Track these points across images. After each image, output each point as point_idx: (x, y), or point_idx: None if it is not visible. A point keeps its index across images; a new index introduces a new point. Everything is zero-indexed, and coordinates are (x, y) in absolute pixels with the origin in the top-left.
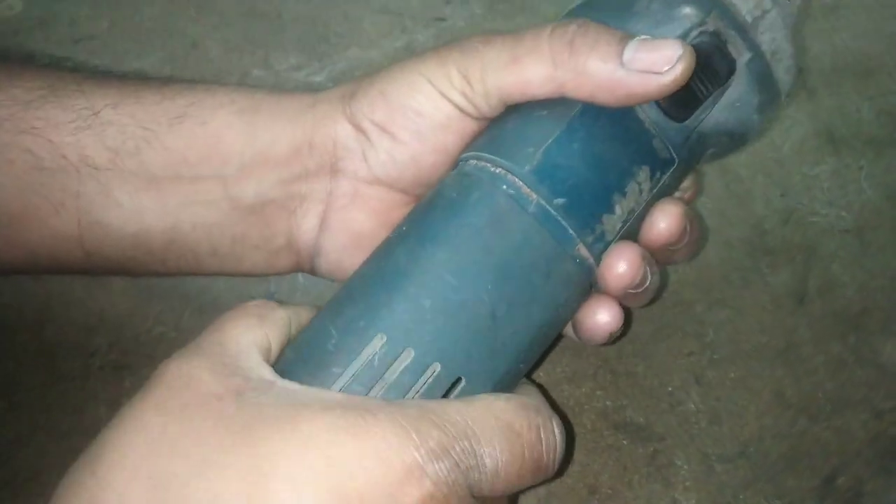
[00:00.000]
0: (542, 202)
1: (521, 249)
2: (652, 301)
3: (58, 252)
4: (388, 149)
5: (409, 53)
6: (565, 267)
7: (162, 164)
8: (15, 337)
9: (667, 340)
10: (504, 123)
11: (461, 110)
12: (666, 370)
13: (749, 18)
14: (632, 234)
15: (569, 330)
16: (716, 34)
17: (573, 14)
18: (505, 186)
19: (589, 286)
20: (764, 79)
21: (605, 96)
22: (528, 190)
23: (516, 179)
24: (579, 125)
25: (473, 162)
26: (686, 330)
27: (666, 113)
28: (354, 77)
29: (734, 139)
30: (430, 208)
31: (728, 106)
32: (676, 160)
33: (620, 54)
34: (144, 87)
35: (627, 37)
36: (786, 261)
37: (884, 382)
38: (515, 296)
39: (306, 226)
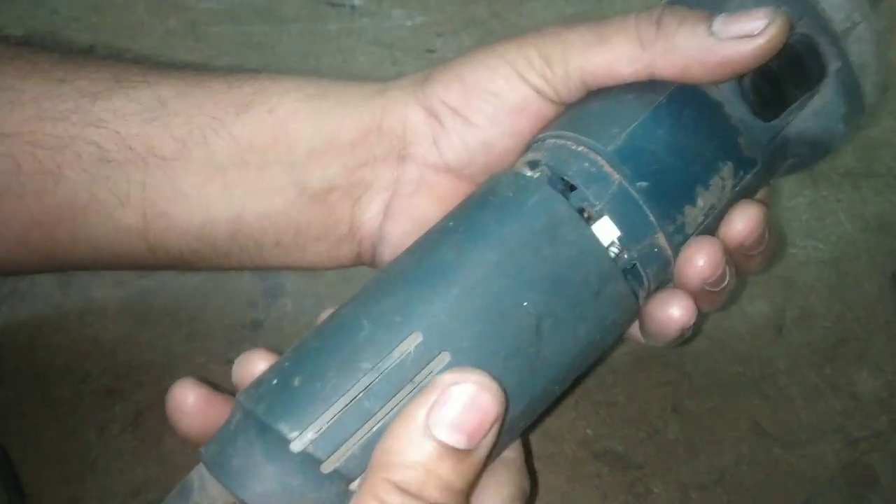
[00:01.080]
0: (625, 183)
1: (576, 262)
2: (725, 306)
3: (121, 246)
4: (461, 133)
5: None
6: (618, 287)
7: (229, 152)
8: (8, 362)
9: (646, 370)
10: (586, 106)
11: (539, 93)
12: (645, 400)
13: (839, 29)
14: (709, 233)
15: (634, 331)
16: (808, 37)
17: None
18: (587, 164)
19: (635, 313)
20: (852, 90)
21: (696, 69)
22: (611, 169)
23: (599, 158)
24: (666, 111)
25: (552, 141)
26: (665, 360)
27: (754, 111)
28: None
29: (816, 149)
30: (483, 205)
31: (814, 114)
32: (760, 162)
33: (710, 26)
34: (210, 77)
35: (714, 13)
36: (764, 292)
37: (858, 412)
38: (564, 311)
39: (370, 213)
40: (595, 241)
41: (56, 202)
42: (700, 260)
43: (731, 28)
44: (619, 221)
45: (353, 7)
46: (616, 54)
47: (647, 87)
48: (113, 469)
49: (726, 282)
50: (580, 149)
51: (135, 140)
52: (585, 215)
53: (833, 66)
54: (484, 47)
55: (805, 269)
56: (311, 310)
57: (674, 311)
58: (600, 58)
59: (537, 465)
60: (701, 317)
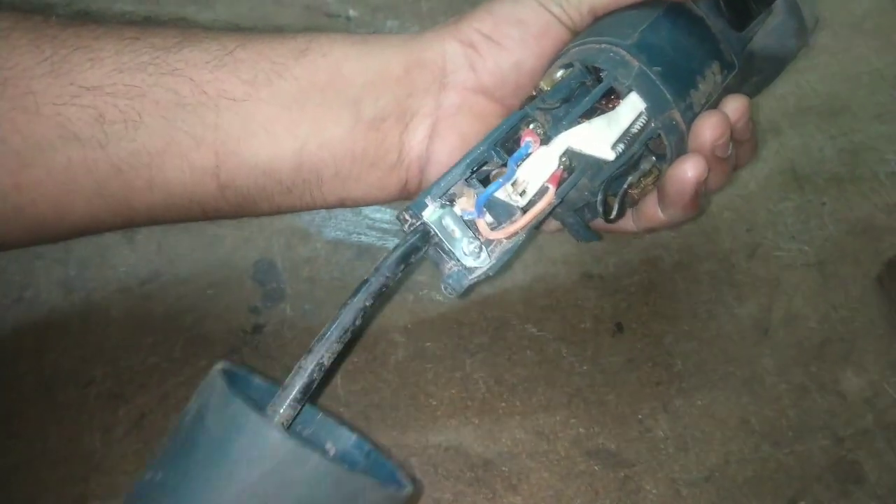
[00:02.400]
0: (644, 67)
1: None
2: (727, 183)
3: (194, 187)
4: (495, 56)
5: None
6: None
7: (292, 91)
8: (13, 367)
9: (637, 371)
10: (598, 23)
11: (557, 19)
12: (636, 399)
13: None
14: None
15: (648, 216)
16: None
17: None
18: (611, 54)
19: None
20: (796, 12)
21: None
22: (630, 57)
23: (620, 50)
24: (665, 20)
25: (577, 48)
26: (655, 360)
27: (728, 23)
28: None
29: (773, 64)
30: (192, 447)
31: (770, 32)
32: (738, 66)
33: None
34: (264, 33)
35: None
36: (751, 293)
37: (844, 410)
38: None
39: (417, 138)
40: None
41: (136, 148)
42: (709, 124)
43: None
44: (644, 96)
45: (348, 18)
46: None
47: (646, 5)
48: (117, 470)
49: (730, 151)
50: (603, 46)
51: (207, 85)
52: (615, 95)
53: None
54: None
55: (791, 272)
56: (310, 314)
57: (688, 168)
58: None
59: (529, 464)
60: (709, 189)
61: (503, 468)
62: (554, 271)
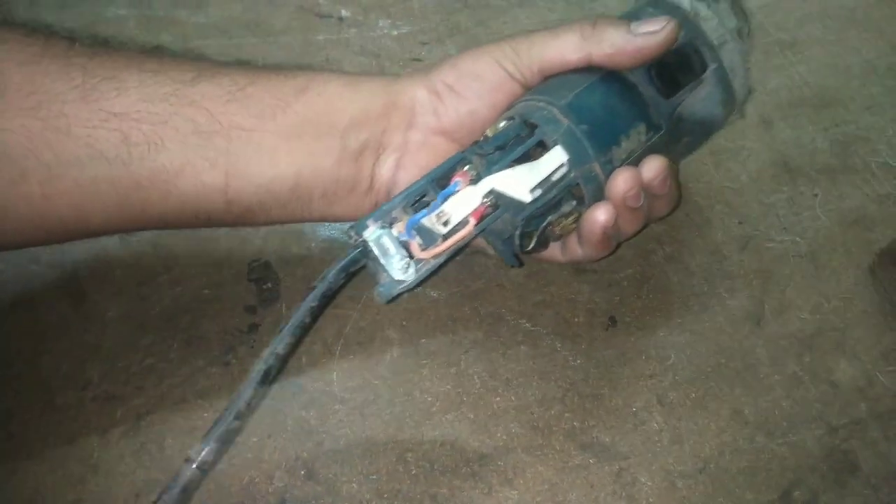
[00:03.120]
0: (572, 126)
1: None
2: (637, 232)
3: (204, 201)
4: (455, 104)
5: None
6: None
7: (293, 124)
8: (11, 369)
9: (630, 364)
10: (547, 82)
11: (510, 76)
12: (630, 392)
13: (716, 43)
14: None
15: (570, 251)
16: (693, 44)
17: None
18: (546, 112)
19: None
20: (725, 84)
21: (619, 57)
22: (562, 116)
23: (554, 109)
24: (600, 84)
25: (523, 103)
26: (649, 353)
27: (658, 90)
28: None
29: (702, 128)
30: None
31: (700, 100)
32: (665, 128)
33: (629, 26)
34: (269, 70)
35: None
36: (743, 285)
37: (837, 399)
38: None
39: (386, 167)
40: None
41: (156, 167)
42: (622, 178)
43: (642, 27)
44: (567, 150)
45: (340, 18)
46: (564, 45)
47: (586, 69)
48: (114, 472)
49: (641, 203)
50: (541, 104)
51: (221, 116)
52: (545, 147)
53: (711, 65)
54: (475, 47)
55: (783, 263)
56: None
57: (599, 214)
58: (553, 48)
59: (525, 458)
60: (622, 234)
61: (499, 462)
62: (547, 266)
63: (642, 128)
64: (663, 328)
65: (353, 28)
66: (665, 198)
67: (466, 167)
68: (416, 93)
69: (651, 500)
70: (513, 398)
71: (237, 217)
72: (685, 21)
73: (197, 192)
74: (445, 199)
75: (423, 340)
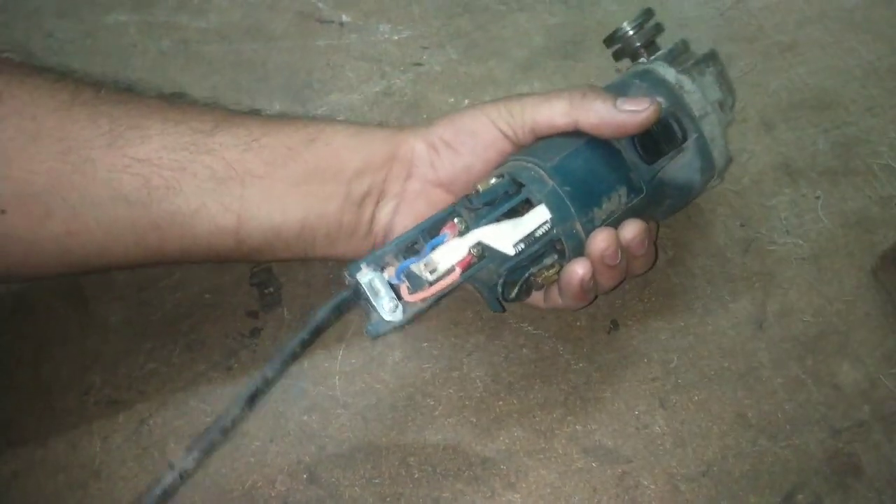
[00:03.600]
0: (556, 186)
1: None
2: (615, 288)
3: (216, 241)
4: (451, 159)
5: (388, 97)
6: None
7: (302, 172)
8: (12, 375)
9: (633, 367)
10: (536, 144)
11: (504, 134)
12: (632, 395)
13: (697, 115)
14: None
15: (552, 300)
16: (676, 115)
17: None
18: (533, 173)
19: None
20: (705, 153)
21: (604, 128)
22: (547, 177)
23: (541, 170)
24: (585, 149)
25: (512, 162)
26: (651, 357)
27: (641, 157)
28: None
29: (682, 192)
30: None
31: (680, 167)
32: (645, 191)
33: (615, 102)
34: (282, 120)
35: (619, 95)
36: (745, 288)
37: (840, 402)
38: None
39: (385, 212)
40: None
41: (174, 209)
42: (601, 237)
43: (627, 105)
44: (551, 208)
45: (341, 23)
46: (554, 110)
47: (574, 134)
48: (116, 476)
49: (618, 261)
50: (529, 165)
51: (237, 164)
52: (530, 204)
53: (692, 136)
54: (470, 105)
55: (785, 265)
56: (305, 318)
57: (577, 268)
58: (544, 112)
59: (527, 461)
60: (601, 287)
61: (501, 466)
62: None
63: (623, 190)
64: (665, 331)
65: (354, 33)
66: (643, 258)
67: (456, 219)
68: (416, 146)
69: (654, 503)
70: (515, 402)
71: (245, 255)
72: (669, 93)
73: (210, 233)
74: (434, 248)
75: (426, 344)
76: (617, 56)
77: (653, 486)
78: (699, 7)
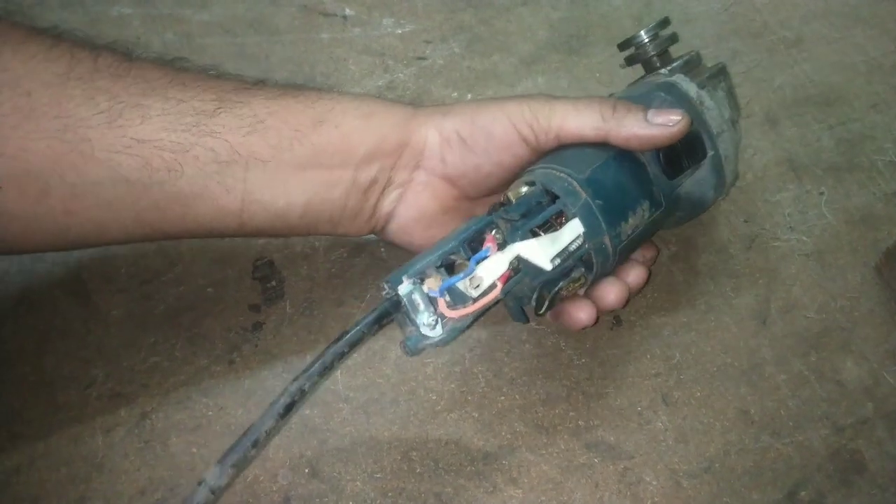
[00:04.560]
0: (589, 199)
1: None
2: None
3: (218, 223)
4: (463, 156)
5: (391, 91)
6: None
7: (308, 155)
8: (15, 369)
9: (635, 363)
10: (563, 151)
11: (522, 138)
12: (635, 391)
13: (715, 132)
14: (634, 246)
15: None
16: (698, 132)
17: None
18: (566, 184)
19: None
20: (718, 170)
21: (634, 141)
22: (580, 189)
23: (573, 182)
24: (614, 162)
25: (542, 170)
26: (654, 353)
27: (664, 171)
28: None
29: (694, 206)
30: None
31: (696, 182)
32: (664, 205)
33: (646, 115)
34: (288, 95)
35: (648, 107)
36: (749, 284)
37: (844, 399)
38: None
39: (389, 200)
40: None
41: (175, 191)
42: (614, 293)
43: (659, 118)
44: (584, 223)
45: (344, 17)
46: (585, 122)
47: (602, 146)
48: (119, 470)
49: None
50: (561, 174)
51: (240, 146)
52: (563, 215)
53: (710, 152)
54: (494, 99)
55: (789, 261)
56: (309, 311)
57: (581, 315)
58: (574, 123)
59: (529, 457)
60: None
61: (503, 461)
62: None
63: (646, 205)
64: (668, 327)
65: (357, 27)
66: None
67: (494, 231)
68: (429, 136)
69: (656, 499)
70: (517, 397)
71: (247, 234)
72: (692, 109)
73: (212, 215)
74: (478, 262)
75: None
76: (629, 61)
77: (655, 482)
78: (704, 2)
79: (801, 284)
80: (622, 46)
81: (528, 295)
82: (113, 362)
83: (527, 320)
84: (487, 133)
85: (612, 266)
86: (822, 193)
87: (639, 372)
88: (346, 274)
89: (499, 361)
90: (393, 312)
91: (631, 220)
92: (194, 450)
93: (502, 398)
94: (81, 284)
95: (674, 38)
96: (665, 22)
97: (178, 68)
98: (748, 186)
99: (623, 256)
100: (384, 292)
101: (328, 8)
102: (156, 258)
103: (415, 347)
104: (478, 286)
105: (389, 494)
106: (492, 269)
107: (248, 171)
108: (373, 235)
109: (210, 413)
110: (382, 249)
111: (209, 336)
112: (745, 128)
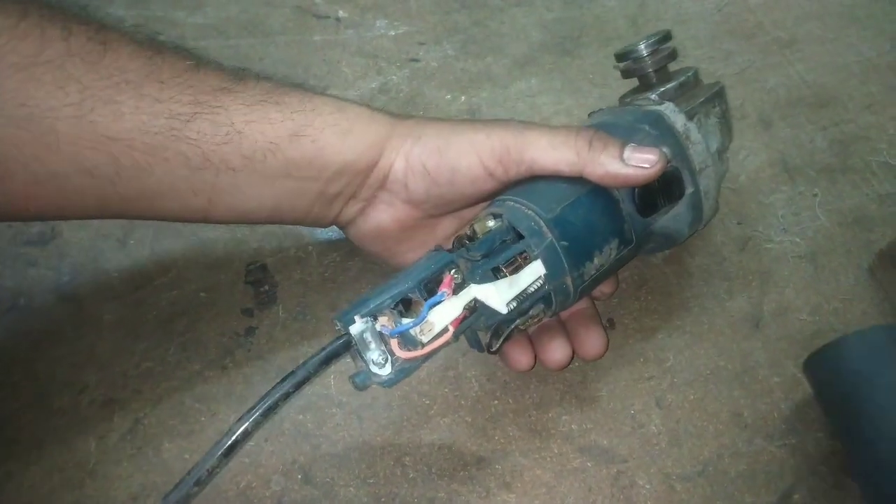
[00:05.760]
0: (554, 241)
1: None
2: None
3: (183, 216)
4: (426, 185)
5: (385, 94)
6: None
7: (280, 167)
8: (7, 375)
9: (629, 366)
10: (535, 184)
11: (490, 174)
12: (628, 394)
13: (697, 168)
14: (597, 283)
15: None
16: (677, 169)
17: (593, 124)
18: (532, 223)
19: None
20: (696, 207)
21: (608, 179)
22: (546, 230)
23: (541, 221)
24: (586, 200)
25: (510, 203)
26: (647, 356)
27: (637, 210)
28: None
29: (667, 240)
30: None
31: (671, 218)
32: (635, 242)
33: (622, 154)
34: (267, 102)
35: (627, 142)
36: (742, 286)
37: None
38: None
39: (350, 210)
40: None
41: (142, 188)
42: (559, 355)
43: (635, 157)
44: (546, 265)
45: (337, 19)
46: (559, 158)
47: (576, 181)
48: (112, 476)
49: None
50: (529, 212)
51: (213, 155)
52: (523, 257)
53: (689, 190)
54: (463, 128)
55: (782, 264)
56: (302, 316)
57: (523, 359)
58: (549, 159)
59: (522, 461)
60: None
61: (496, 466)
62: None
63: (615, 243)
64: (662, 330)
65: (351, 28)
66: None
67: (453, 270)
68: (396, 162)
69: (649, 503)
70: (510, 401)
71: (212, 224)
72: (675, 144)
73: (178, 210)
74: (431, 307)
75: None
76: (625, 74)
77: (648, 486)
78: (698, 3)
79: (794, 286)
80: (619, 58)
81: (484, 329)
82: (105, 368)
83: (483, 350)
84: (452, 168)
85: (572, 303)
86: (815, 195)
87: (632, 375)
88: (339, 278)
89: (492, 366)
90: (342, 353)
91: (597, 260)
92: (187, 456)
93: (495, 402)
94: (74, 290)
95: (673, 55)
96: (667, 37)
97: (153, 54)
98: (741, 188)
99: (585, 293)
100: (336, 328)
101: (321, 10)
102: (148, 263)
103: (363, 384)
104: (429, 331)
105: (383, 500)
106: (445, 313)
107: (217, 177)
108: None
109: (203, 418)
110: None
111: (202, 341)
112: (739, 129)
